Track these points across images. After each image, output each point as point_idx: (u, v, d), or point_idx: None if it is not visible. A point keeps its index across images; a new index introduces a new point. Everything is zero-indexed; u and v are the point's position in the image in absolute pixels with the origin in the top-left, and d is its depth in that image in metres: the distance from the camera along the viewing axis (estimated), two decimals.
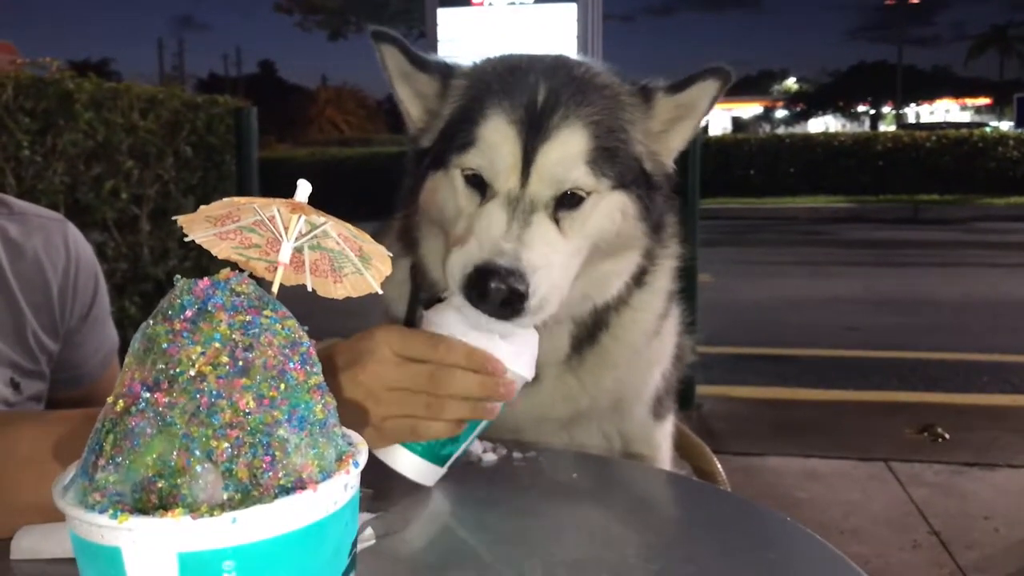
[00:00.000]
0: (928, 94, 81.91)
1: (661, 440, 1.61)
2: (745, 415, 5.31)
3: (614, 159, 1.27)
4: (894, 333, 7.54)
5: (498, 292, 1.10)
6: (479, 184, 1.24)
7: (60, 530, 0.95)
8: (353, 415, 1.04)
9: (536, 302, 1.13)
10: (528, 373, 1.12)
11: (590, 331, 1.42)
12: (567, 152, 1.23)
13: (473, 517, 1.08)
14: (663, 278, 1.47)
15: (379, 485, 1.08)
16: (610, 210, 1.27)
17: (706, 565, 0.94)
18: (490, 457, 1.22)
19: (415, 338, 1.08)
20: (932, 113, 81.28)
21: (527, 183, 1.21)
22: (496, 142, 1.22)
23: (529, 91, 1.25)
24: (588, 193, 1.24)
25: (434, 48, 11.45)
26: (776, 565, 0.97)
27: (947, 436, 4.70)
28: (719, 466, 1.53)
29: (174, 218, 0.54)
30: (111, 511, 0.44)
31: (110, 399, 0.47)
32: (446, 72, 1.37)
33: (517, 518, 1.10)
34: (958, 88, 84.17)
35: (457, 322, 1.10)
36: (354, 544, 0.52)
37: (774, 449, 4.63)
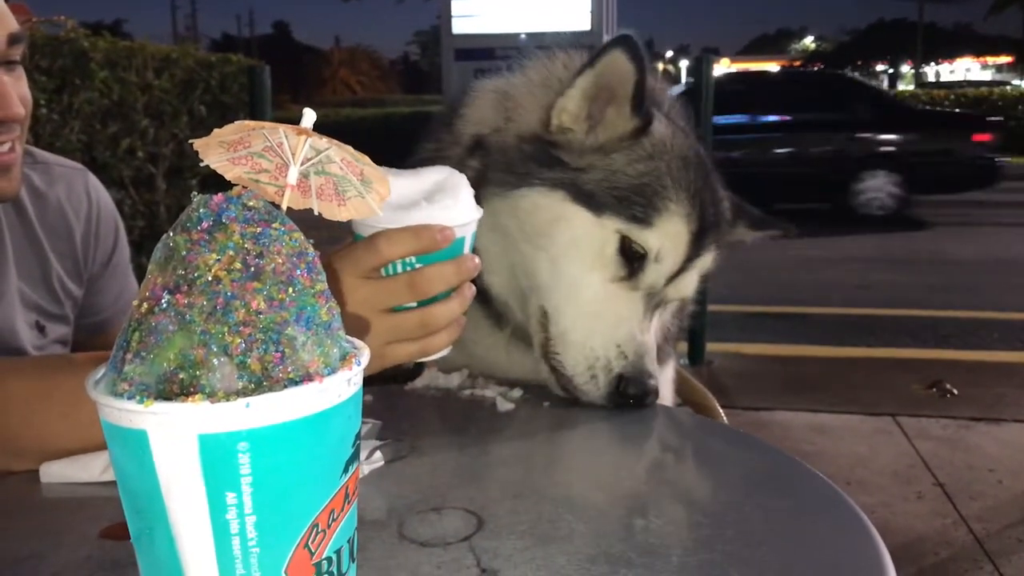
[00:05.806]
0: (948, 52, 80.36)
1: (662, 384, 1.66)
2: (755, 371, 5.34)
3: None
4: (907, 291, 7.54)
5: (636, 398, 1.23)
6: (629, 253, 1.28)
7: (84, 458, 1.02)
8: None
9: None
10: (474, 213, 1.09)
11: None
12: (703, 271, 1.37)
13: (476, 444, 1.13)
14: None
15: (387, 417, 1.14)
16: None
17: (690, 480, 1.00)
18: (506, 405, 1.26)
19: (356, 252, 1.05)
20: (952, 72, 79.96)
21: (667, 286, 1.32)
22: (672, 244, 1.29)
23: (700, 204, 1.32)
24: None
25: (448, 23, 11.46)
26: (758, 482, 1.02)
27: (955, 392, 4.73)
28: (716, 402, 1.58)
29: (190, 141, 0.58)
30: (138, 398, 0.50)
31: (135, 302, 0.52)
32: (644, 123, 1.32)
33: (517, 444, 1.16)
34: (979, 46, 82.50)
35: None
36: (357, 436, 0.58)
37: (783, 404, 4.66)
